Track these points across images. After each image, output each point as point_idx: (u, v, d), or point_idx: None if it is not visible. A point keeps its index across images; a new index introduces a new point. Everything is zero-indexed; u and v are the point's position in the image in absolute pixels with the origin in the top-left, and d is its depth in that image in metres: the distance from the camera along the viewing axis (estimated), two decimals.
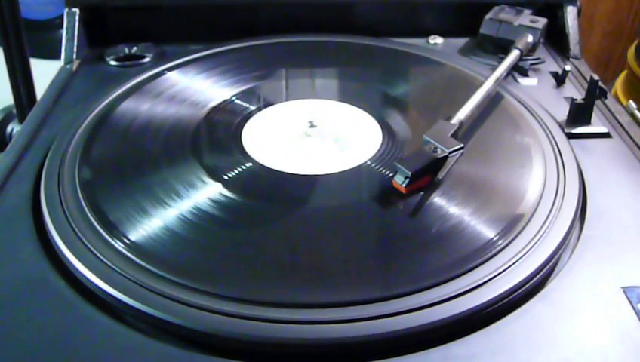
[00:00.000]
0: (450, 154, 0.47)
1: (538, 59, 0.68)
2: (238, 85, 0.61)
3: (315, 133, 0.54)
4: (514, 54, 0.64)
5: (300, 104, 0.59)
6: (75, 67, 0.68)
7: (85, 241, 0.41)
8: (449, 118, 0.51)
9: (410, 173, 0.45)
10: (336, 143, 0.53)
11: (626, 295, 0.39)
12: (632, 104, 0.59)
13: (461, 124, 0.51)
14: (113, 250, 0.40)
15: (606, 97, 0.57)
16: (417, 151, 0.48)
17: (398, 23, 0.76)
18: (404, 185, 0.45)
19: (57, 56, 0.69)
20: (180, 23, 0.74)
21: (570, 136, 0.54)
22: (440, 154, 0.47)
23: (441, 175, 0.47)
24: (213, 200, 0.45)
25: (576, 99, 0.56)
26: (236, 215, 0.45)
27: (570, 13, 0.73)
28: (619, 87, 1.01)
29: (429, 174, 0.46)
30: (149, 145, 0.52)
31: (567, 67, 0.64)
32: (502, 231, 0.42)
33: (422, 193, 0.46)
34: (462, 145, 0.48)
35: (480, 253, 0.40)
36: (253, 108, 0.58)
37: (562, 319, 0.37)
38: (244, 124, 0.55)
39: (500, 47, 0.68)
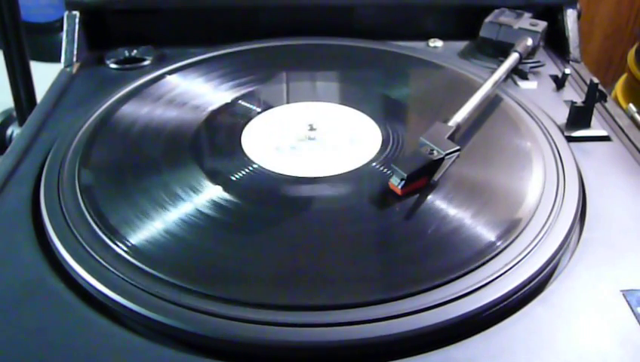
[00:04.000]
0: (447, 157, 0.47)
1: (538, 62, 0.68)
2: (239, 88, 0.61)
3: (315, 136, 0.54)
4: (513, 57, 0.64)
5: (300, 107, 0.59)
6: (75, 70, 0.68)
7: (84, 244, 0.41)
8: (446, 121, 0.51)
9: (406, 175, 0.45)
10: (336, 146, 0.53)
11: (626, 298, 0.39)
12: (632, 107, 0.59)
13: (458, 126, 0.51)
14: (112, 253, 0.40)
15: (606, 100, 0.57)
16: (414, 152, 0.48)
17: (399, 26, 0.76)
18: (400, 186, 0.45)
19: (57, 59, 0.69)
20: (179, 26, 0.74)
21: (570, 139, 0.54)
22: (436, 156, 0.47)
23: (436, 177, 0.47)
24: (213, 203, 0.45)
25: (576, 103, 0.56)
26: (236, 218, 0.45)
27: (570, 17, 0.73)
28: (619, 90, 1.01)
29: (425, 176, 0.47)
30: (148, 148, 0.52)
31: (567, 70, 0.64)
32: (501, 233, 0.42)
33: (423, 196, 0.46)
34: (458, 148, 0.48)
35: (479, 256, 0.40)
36: (253, 111, 0.58)
37: (562, 322, 0.37)
38: (244, 127, 0.55)
39: (500, 51, 0.68)
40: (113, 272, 0.39)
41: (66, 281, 0.40)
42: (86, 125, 0.54)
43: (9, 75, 0.79)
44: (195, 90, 0.61)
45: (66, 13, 0.70)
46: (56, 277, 0.40)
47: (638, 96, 0.94)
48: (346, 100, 0.60)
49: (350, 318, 0.36)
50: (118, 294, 0.37)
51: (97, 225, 0.43)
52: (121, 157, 0.52)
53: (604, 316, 0.38)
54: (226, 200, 0.46)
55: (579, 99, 0.57)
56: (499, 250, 0.41)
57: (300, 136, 0.54)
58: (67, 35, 0.69)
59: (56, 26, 1.27)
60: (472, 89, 0.56)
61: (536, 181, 0.48)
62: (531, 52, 0.68)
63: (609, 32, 1.40)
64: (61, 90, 0.63)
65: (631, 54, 1.00)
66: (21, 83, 0.79)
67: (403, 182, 0.45)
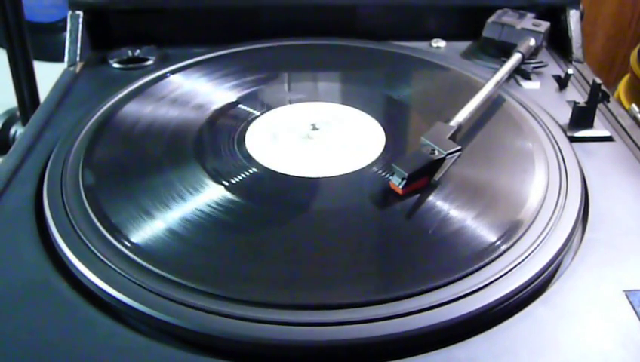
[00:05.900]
0: (448, 157, 0.47)
1: (541, 62, 0.68)
2: (242, 88, 0.62)
3: (317, 136, 0.54)
4: (515, 58, 0.64)
5: (303, 107, 0.59)
6: (78, 70, 0.68)
7: (88, 243, 0.41)
8: (447, 121, 0.51)
9: (407, 175, 0.45)
10: (339, 146, 0.53)
11: (629, 298, 0.39)
12: (635, 108, 0.59)
13: (460, 126, 0.51)
14: (116, 252, 0.40)
15: (609, 101, 0.57)
16: (415, 152, 0.48)
17: (401, 26, 0.76)
18: (400, 186, 0.45)
19: (61, 59, 0.69)
20: (183, 26, 0.75)
21: (572, 139, 0.54)
22: (437, 156, 0.47)
23: (437, 177, 0.47)
24: (215, 203, 0.45)
25: (578, 103, 0.56)
26: (239, 217, 0.45)
27: (573, 17, 0.73)
28: (622, 90, 1.01)
29: (426, 176, 0.47)
30: (151, 147, 0.53)
31: (570, 71, 0.64)
32: (504, 234, 0.42)
33: (424, 196, 0.46)
34: (459, 148, 0.48)
35: (482, 256, 0.40)
36: (256, 111, 0.58)
37: (564, 322, 0.37)
38: (247, 127, 0.55)
39: (503, 51, 0.68)
40: (116, 271, 0.39)
41: (69, 280, 0.40)
42: (89, 124, 0.55)
43: (12, 75, 0.79)
44: (197, 90, 0.61)
45: (69, 13, 0.70)
46: (59, 276, 0.40)
47: None
48: (348, 100, 0.60)
49: (353, 317, 0.36)
50: (122, 293, 0.37)
51: (101, 224, 0.43)
52: (124, 157, 0.52)
53: (606, 316, 0.38)
54: (229, 200, 0.46)
55: (581, 100, 0.57)
56: (502, 250, 0.41)
57: (302, 136, 0.54)
58: (70, 35, 0.70)
59: (59, 26, 1.26)
60: (475, 89, 0.56)
61: (539, 181, 0.48)
62: (534, 52, 0.68)
63: (612, 33, 1.40)
64: (64, 89, 0.63)
65: (634, 55, 1.00)
66: (24, 82, 0.79)
67: (404, 181, 0.45)
